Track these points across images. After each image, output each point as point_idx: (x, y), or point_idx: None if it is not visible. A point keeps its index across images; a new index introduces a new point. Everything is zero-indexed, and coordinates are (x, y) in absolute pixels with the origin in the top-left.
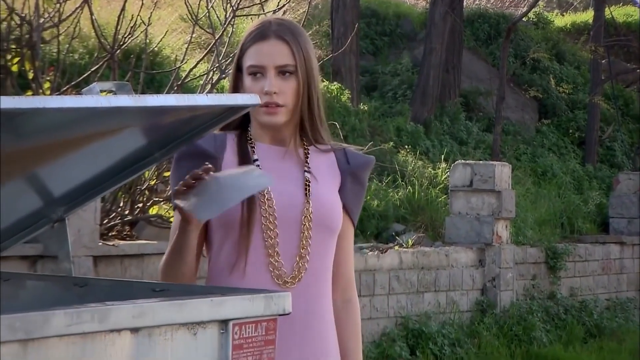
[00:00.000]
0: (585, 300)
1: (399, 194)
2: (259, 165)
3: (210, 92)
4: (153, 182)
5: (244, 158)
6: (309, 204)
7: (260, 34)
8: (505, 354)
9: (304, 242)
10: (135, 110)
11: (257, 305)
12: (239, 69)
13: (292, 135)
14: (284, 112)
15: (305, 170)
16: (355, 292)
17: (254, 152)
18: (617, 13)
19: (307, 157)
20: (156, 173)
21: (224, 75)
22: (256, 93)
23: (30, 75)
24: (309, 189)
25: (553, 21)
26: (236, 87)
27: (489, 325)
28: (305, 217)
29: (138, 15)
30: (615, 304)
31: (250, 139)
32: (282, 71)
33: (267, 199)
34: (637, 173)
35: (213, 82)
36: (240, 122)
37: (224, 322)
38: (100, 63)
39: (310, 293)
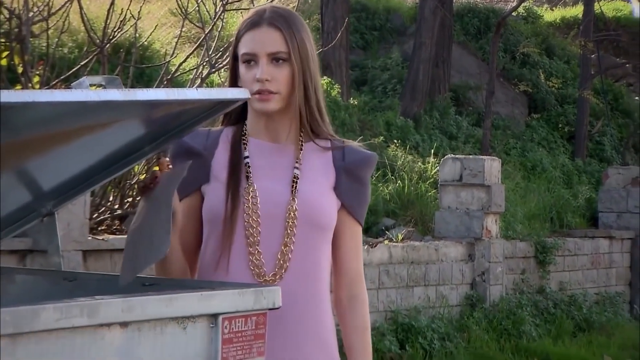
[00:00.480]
0: (574, 294)
1: (389, 188)
2: (248, 163)
3: (200, 86)
4: (143, 176)
5: (235, 154)
6: (294, 201)
7: (254, 22)
8: (494, 348)
9: (287, 240)
10: (125, 104)
11: (247, 300)
12: (235, 57)
13: (288, 129)
14: (277, 99)
15: (295, 167)
16: (362, 289)
17: (246, 148)
18: (607, 8)
19: (300, 153)
20: (146, 167)
21: (213, 70)
22: (249, 80)
23: (20, 69)
24: (295, 186)
25: (542, 16)
26: (234, 76)
27: (478, 320)
28: (289, 214)
29: (127, 9)
30: (605, 298)
31: (245, 134)
32: (275, 58)
33: (251, 196)
34: (626, 167)
35: (203, 76)
36: (239, 116)
37: (213, 317)
38: (90, 57)
39: (295, 291)
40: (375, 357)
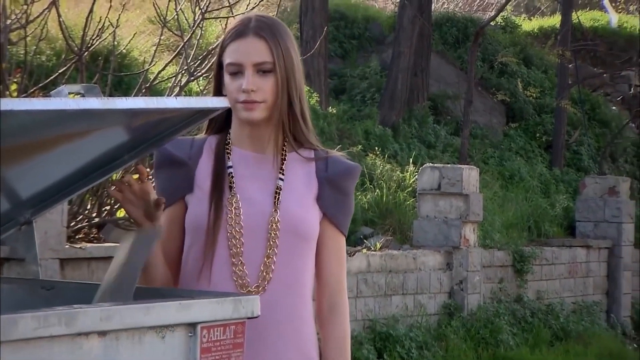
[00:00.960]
0: (551, 303)
1: (367, 197)
2: (231, 173)
3: (178, 94)
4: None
5: (219, 164)
6: (277, 212)
7: (239, 32)
8: (472, 357)
9: (270, 251)
10: (104, 112)
11: (226, 309)
12: (220, 66)
13: (272, 138)
14: (263, 108)
15: (278, 178)
16: (343, 300)
17: (229, 158)
18: (584, 18)
19: (283, 164)
20: (123, 176)
21: (192, 78)
22: (235, 90)
23: None
24: (278, 197)
25: (521, 25)
26: (218, 85)
27: (456, 328)
28: (272, 225)
29: (106, 17)
30: (582, 308)
31: (228, 143)
32: (260, 69)
33: (234, 207)
34: (603, 177)
35: (181, 84)
36: (222, 124)
37: (192, 325)
38: (68, 65)
39: (278, 302)
40: None
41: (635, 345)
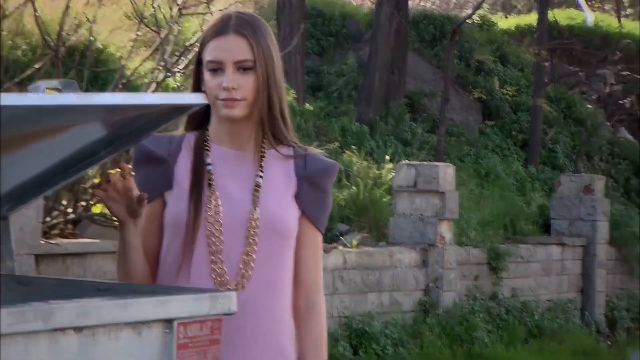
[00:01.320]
0: (526, 301)
1: (344, 194)
2: (210, 170)
3: (155, 90)
4: (97, 180)
5: (198, 161)
6: (256, 210)
7: (220, 29)
8: (447, 354)
9: (249, 249)
10: (81, 108)
11: (203, 305)
12: (199, 62)
13: (251, 136)
14: (243, 105)
15: (257, 175)
16: (320, 298)
17: (208, 155)
18: (561, 16)
19: (263, 162)
20: (100, 171)
21: (169, 74)
22: (215, 88)
23: None
24: (257, 195)
25: (497, 23)
26: (197, 82)
27: (431, 326)
28: (251, 223)
29: (83, 12)
30: (556, 305)
31: (207, 141)
32: (240, 67)
33: (214, 205)
34: (578, 175)
35: (158, 80)
36: (201, 121)
37: (168, 322)
38: (44, 60)
39: (259, 300)
40: None
41: (609, 342)
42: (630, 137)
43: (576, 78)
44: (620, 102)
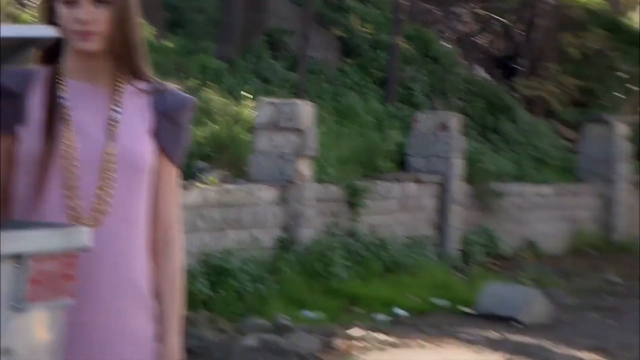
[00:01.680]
0: (384, 237)
1: (204, 131)
2: (65, 105)
3: (7, 23)
4: None
5: (52, 96)
6: (112, 145)
7: None
8: (305, 290)
9: (104, 183)
10: None
11: (55, 240)
12: None
13: (107, 70)
14: (99, 38)
15: (113, 110)
16: (177, 234)
17: (63, 90)
18: None
19: (119, 96)
20: None
21: (19, 6)
22: (70, 21)
23: None
24: (113, 130)
25: None
26: (49, 14)
27: (290, 262)
28: (106, 158)
29: None
30: (413, 241)
31: (62, 75)
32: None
33: (68, 140)
34: (434, 112)
35: (11, 13)
36: (53, 56)
37: (19, 257)
38: None
39: (114, 235)
40: (186, 300)
41: (463, 275)
42: (486, 75)
43: (433, 16)
44: (477, 40)
